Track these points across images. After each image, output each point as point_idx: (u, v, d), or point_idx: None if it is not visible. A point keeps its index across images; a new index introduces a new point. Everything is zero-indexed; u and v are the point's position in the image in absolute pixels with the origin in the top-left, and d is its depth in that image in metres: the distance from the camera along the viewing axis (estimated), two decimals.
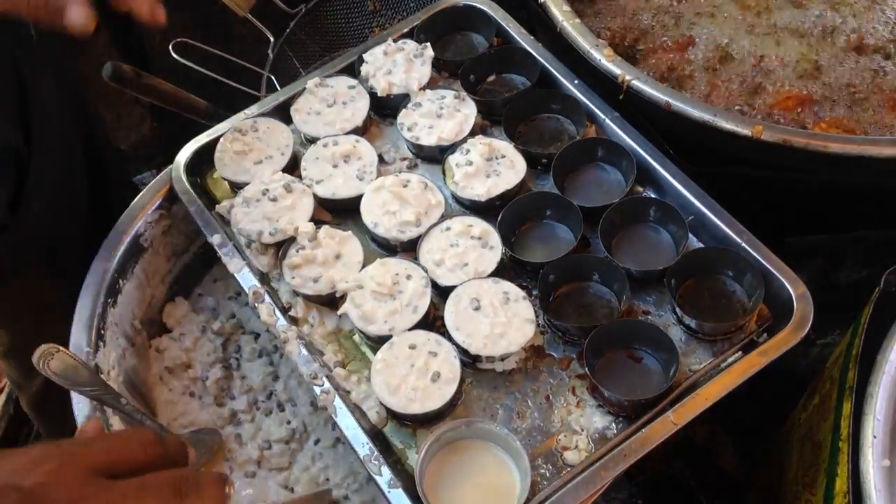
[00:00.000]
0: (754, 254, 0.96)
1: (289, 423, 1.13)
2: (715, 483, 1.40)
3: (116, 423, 0.96)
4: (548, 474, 0.88)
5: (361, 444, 0.89)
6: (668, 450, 1.40)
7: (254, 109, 1.17)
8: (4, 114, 1.03)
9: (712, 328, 0.95)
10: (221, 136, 1.14)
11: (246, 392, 1.15)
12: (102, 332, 1.04)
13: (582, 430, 0.91)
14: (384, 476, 0.87)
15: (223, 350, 1.18)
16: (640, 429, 0.88)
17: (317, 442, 1.12)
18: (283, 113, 1.17)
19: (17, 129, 1.03)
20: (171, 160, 1.80)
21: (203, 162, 1.15)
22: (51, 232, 1.10)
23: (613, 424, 0.91)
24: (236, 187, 1.10)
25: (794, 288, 0.94)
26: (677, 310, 0.96)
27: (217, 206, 1.10)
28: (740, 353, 0.94)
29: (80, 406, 0.96)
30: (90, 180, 1.18)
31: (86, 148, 1.19)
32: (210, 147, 1.14)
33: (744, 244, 0.97)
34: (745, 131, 1.03)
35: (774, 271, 0.95)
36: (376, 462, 0.88)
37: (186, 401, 1.13)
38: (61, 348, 0.91)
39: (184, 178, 1.12)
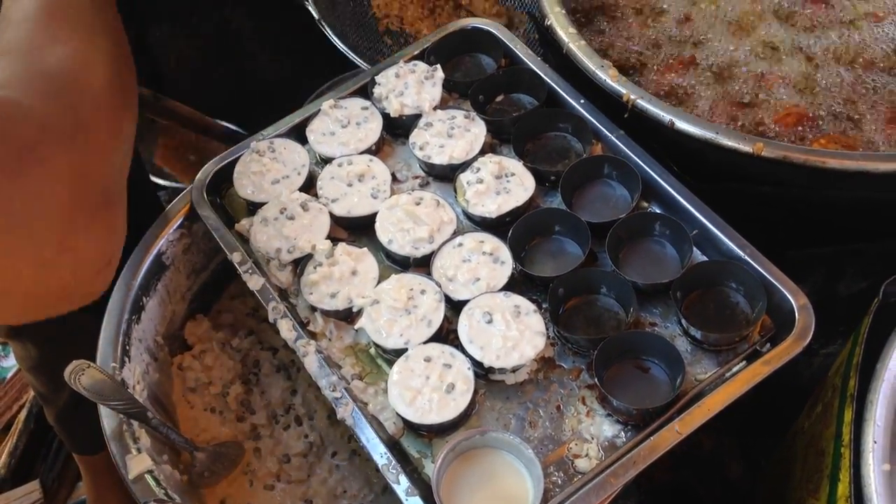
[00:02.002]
0: (757, 266, 0.99)
1: (307, 436, 1.15)
2: (721, 491, 1.42)
3: (143, 436, 0.99)
4: (560, 481, 0.91)
5: (379, 454, 0.92)
6: (675, 459, 1.42)
7: (270, 130, 1.21)
8: None
9: (717, 339, 0.97)
10: (239, 156, 1.17)
11: (265, 407, 1.18)
12: (127, 347, 1.07)
13: (592, 438, 0.93)
14: (402, 484, 0.89)
15: (242, 366, 1.21)
16: (648, 437, 0.91)
17: (334, 454, 1.15)
18: (298, 133, 1.20)
19: None
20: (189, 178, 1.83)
21: (222, 182, 1.18)
22: None
23: (622, 433, 0.93)
24: (254, 206, 1.13)
25: (795, 299, 0.96)
26: (683, 321, 0.98)
27: (236, 224, 1.13)
28: (744, 362, 0.96)
29: (109, 419, 0.99)
30: None
31: None
32: (229, 167, 1.17)
33: (746, 257, 1.00)
34: (746, 148, 1.06)
35: (777, 283, 0.97)
36: (394, 471, 0.90)
37: (208, 417, 1.16)
38: (91, 364, 0.94)
39: (204, 197, 1.15)
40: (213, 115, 1.70)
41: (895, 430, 0.92)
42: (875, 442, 0.88)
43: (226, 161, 1.18)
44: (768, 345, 0.97)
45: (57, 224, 0.67)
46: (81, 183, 0.70)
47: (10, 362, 1.68)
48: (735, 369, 0.96)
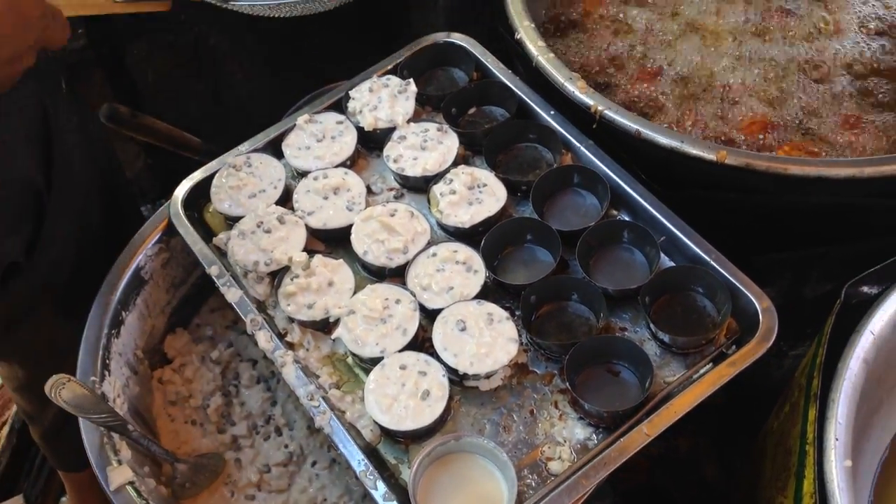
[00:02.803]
0: (722, 271, 1.02)
1: (286, 446, 1.17)
2: (697, 492, 1.45)
3: (124, 448, 1.01)
4: (533, 484, 0.93)
5: (357, 460, 0.94)
6: (652, 461, 1.45)
7: (247, 146, 1.23)
8: (30, 159, 1.07)
9: (684, 342, 1.00)
10: (217, 171, 1.19)
11: (245, 418, 1.20)
12: (107, 361, 1.08)
13: (564, 441, 0.96)
14: (380, 490, 0.92)
15: (222, 378, 1.23)
16: (618, 438, 0.93)
17: (314, 464, 1.16)
18: (274, 148, 1.23)
19: (40, 173, 1.08)
20: (164, 194, 1.85)
21: (199, 196, 1.20)
22: (67, 274, 1.14)
23: (594, 435, 0.96)
24: (232, 220, 1.15)
25: (759, 302, 0.99)
26: (651, 326, 1.01)
27: (214, 238, 1.15)
28: (711, 364, 0.99)
29: (89, 433, 1.00)
30: (107, 220, 1.23)
31: (103, 190, 1.24)
32: (206, 182, 1.19)
33: (712, 262, 1.03)
34: (710, 156, 1.09)
35: (741, 287, 1.01)
36: (372, 477, 0.93)
37: (189, 429, 1.18)
38: (72, 378, 0.96)
39: (181, 212, 1.17)
40: (191, 131, 1.72)
41: (857, 427, 0.96)
42: (837, 439, 0.91)
43: (203, 176, 1.20)
44: (734, 347, 1.00)
45: None
46: None
47: None
48: (702, 371, 0.99)
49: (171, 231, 1.18)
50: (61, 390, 0.95)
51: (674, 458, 1.47)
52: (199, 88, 1.82)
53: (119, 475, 0.97)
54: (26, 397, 1.25)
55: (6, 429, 1.58)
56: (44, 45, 0.96)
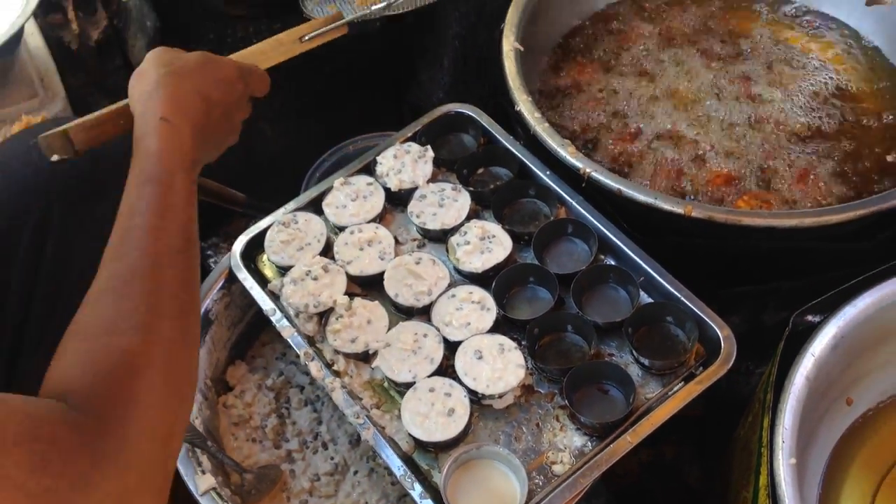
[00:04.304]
0: (691, 305, 1.18)
1: (332, 458, 1.33)
2: (680, 495, 1.60)
3: (205, 461, 1.20)
4: (540, 483, 1.10)
5: (397, 467, 1.12)
6: (641, 466, 1.61)
7: (292, 205, 1.41)
8: None
9: (661, 365, 1.15)
10: (268, 227, 1.37)
11: (297, 435, 1.36)
12: None
13: (565, 448, 1.12)
14: (416, 490, 1.09)
15: (276, 402, 1.40)
16: (608, 445, 1.10)
17: (356, 473, 1.32)
18: (315, 207, 1.40)
19: None
20: (203, 237, 2.01)
21: (254, 249, 1.38)
22: None
23: (589, 443, 1.13)
24: (283, 269, 1.33)
25: (721, 331, 1.16)
26: (634, 352, 1.16)
27: (269, 284, 1.33)
28: (683, 383, 1.15)
29: None
30: None
31: None
32: (259, 237, 1.36)
33: (682, 298, 1.19)
34: (678, 210, 1.27)
35: (706, 318, 1.17)
36: (410, 480, 1.10)
37: (250, 446, 1.34)
38: None
39: (240, 263, 1.36)
40: (229, 182, 1.91)
41: (805, 432, 1.13)
42: (784, 442, 1.09)
43: (256, 232, 1.39)
44: (701, 368, 1.16)
45: None
46: None
47: None
48: (675, 389, 1.15)
49: (231, 279, 1.37)
50: None
51: (660, 464, 1.61)
52: (234, 145, 2.01)
53: (204, 482, 1.16)
54: None
55: None
56: (251, 95, 1.15)
